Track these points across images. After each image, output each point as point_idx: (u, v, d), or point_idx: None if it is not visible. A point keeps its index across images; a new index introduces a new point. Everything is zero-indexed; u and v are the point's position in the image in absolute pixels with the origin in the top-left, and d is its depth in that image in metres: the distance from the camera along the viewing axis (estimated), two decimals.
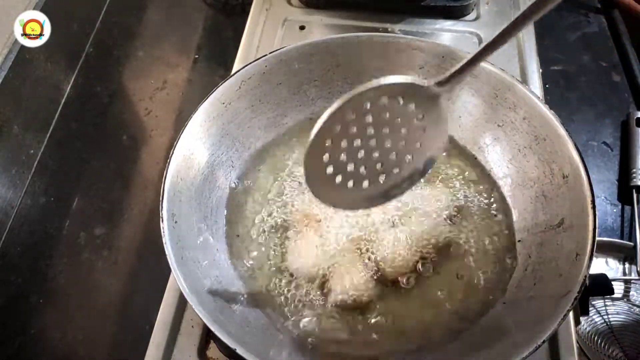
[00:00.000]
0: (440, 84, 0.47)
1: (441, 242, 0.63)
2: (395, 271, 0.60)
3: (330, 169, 0.48)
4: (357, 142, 0.48)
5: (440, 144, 0.50)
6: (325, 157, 0.47)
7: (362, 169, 0.50)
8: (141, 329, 0.65)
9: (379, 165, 0.50)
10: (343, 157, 0.48)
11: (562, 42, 0.98)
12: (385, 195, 0.52)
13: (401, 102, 0.47)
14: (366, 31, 0.81)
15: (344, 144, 0.48)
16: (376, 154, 0.49)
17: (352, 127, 0.47)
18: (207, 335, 0.63)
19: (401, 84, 0.46)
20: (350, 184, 0.50)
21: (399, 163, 0.50)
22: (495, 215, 0.65)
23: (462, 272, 0.61)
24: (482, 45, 0.46)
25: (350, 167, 0.49)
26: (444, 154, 0.69)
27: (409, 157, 0.50)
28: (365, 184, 0.50)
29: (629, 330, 0.76)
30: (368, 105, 0.46)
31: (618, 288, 0.78)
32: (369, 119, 0.47)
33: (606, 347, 0.75)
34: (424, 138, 0.50)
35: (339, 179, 0.49)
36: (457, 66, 0.47)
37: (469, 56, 0.46)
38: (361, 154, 0.49)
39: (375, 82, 0.45)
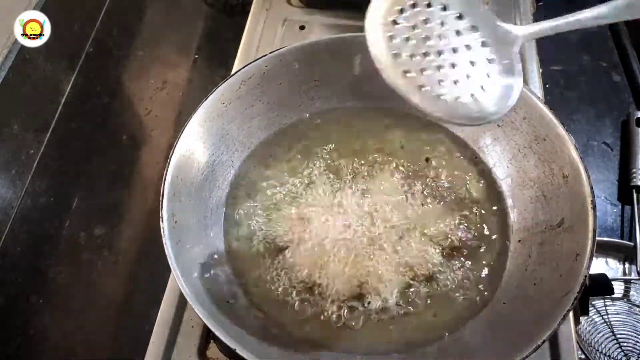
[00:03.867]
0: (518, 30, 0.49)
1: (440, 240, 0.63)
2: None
3: (394, 43, 0.44)
4: (423, 40, 0.45)
5: (507, 101, 0.46)
6: (390, 27, 0.44)
7: (424, 64, 0.45)
8: (141, 329, 0.65)
9: (441, 77, 0.45)
10: (406, 39, 0.45)
11: (562, 42, 0.98)
12: (440, 111, 0.45)
13: (475, 33, 0.48)
14: None
15: (409, 28, 0.45)
16: (441, 63, 0.45)
17: (422, 17, 0.45)
18: (207, 335, 0.63)
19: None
20: (411, 67, 0.45)
21: (461, 91, 0.46)
22: (494, 214, 0.65)
23: (460, 272, 0.61)
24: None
25: (412, 53, 0.45)
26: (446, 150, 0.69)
27: (471, 93, 0.46)
28: (422, 79, 0.45)
29: (629, 330, 0.76)
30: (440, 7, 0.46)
31: (618, 288, 0.78)
32: (440, 27, 0.46)
33: (606, 347, 0.75)
34: (490, 84, 0.46)
35: (401, 54, 0.44)
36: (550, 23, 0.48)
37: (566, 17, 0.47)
38: (425, 49, 0.45)
39: None
